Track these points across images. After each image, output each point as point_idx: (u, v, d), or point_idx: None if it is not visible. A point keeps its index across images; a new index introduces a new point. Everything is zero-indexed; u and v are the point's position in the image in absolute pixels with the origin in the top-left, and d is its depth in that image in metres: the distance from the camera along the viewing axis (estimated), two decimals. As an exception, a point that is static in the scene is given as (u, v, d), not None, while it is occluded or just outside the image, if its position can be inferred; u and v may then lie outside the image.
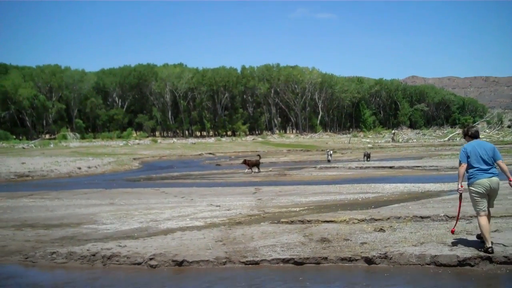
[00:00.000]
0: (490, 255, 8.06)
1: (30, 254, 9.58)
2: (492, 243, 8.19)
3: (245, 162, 29.13)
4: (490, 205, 8.63)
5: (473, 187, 8.45)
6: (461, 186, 8.54)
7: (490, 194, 8.54)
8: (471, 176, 8.48)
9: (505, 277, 7.63)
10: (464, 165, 8.47)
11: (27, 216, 13.88)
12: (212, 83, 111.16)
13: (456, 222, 9.42)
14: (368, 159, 34.59)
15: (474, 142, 8.71)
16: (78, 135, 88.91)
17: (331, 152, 38.28)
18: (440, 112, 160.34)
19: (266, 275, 8.18)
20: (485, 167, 8.42)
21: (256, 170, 28.55)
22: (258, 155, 31.51)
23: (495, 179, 8.46)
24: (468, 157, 8.47)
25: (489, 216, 8.51)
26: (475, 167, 8.42)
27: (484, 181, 8.38)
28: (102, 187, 22.17)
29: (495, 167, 8.53)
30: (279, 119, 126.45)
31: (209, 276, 8.26)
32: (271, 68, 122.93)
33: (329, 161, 35.02)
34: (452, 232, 9.08)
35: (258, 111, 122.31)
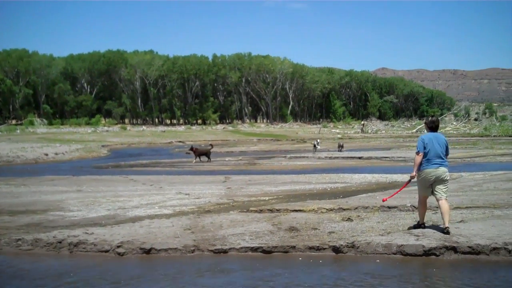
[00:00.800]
0: (455, 245, 8.22)
1: (-5, 241, 9.42)
2: (424, 223, 9.36)
3: (192, 149, 27.57)
4: (440, 192, 9.08)
5: (421, 174, 9.15)
6: (415, 174, 9.18)
7: (437, 182, 9.06)
8: (421, 164, 9.11)
9: (469, 267, 7.77)
10: (421, 154, 9.08)
11: (-8, 202, 13.64)
12: (183, 71, 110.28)
13: (392, 195, 10.75)
14: (342, 149, 33.90)
15: (431, 134, 9.27)
16: (45, 121, 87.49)
17: (319, 140, 38.05)
18: (409, 104, 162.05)
19: (235, 263, 8.20)
20: (435, 159, 9.04)
21: (206, 159, 27.27)
22: (211, 144, 30.09)
23: (442, 168, 9.05)
24: (424, 147, 9.07)
25: (446, 206, 8.98)
26: (427, 157, 9.06)
27: (430, 171, 9.03)
28: (69, 174, 21.88)
29: (446, 160, 9.20)
30: (249, 108, 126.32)
31: (177, 264, 8.24)
32: (243, 57, 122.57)
33: (314, 146, 35.02)
34: (383, 200, 10.80)
35: (229, 100, 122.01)
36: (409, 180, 9.52)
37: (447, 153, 9.22)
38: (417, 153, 9.14)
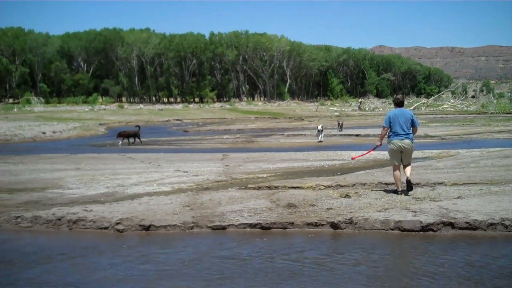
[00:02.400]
0: (452, 221, 8.30)
1: (-6, 218, 9.46)
2: (402, 190, 10.32)
3: (120, 134, 26.41)
4: (406, 161, 10.45)
5: (389, 144, 10.49)
6: (379, 143, 10.86)
7: (403, 152, 10.34)
8: (389, 136, 10.47)
9: (466, 242, 7.84)
10: (386, 129, 10.50)
11: (-10, 180, 13.65)
12: (180, 49, 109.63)
13: (359, 156, 13.90)
14: (342, 128, 31.86)
15: (397, 110, 10.63)
16: (42, 99, 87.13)
17: (321, 127, 26.46)
18: (406, 82, 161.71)
19: (233, 239, 8.26)
20: (401, 131, 10.30)
21: (133, 140, 26.34)
22: (138, 126, 28.64)
23: (406, 141, 10.29)
24: (390, 122, 10.41)
25: (408, 168, 10.40)
26: (393, 130, 10.38)
27: (397, 142, 10.29)
28: (67, 152, 21.90)
29: (411, 133, 10.43)
30: (247, 86, 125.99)
31: (176, 240, 8.30)
32: (240, 35, 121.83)
33: (319, 131, 25.81)
34: (352, 158, 13.14)
35: (226, 78, 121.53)
36: (374, 148, 11.36)
37: (414, 124, 10.45)
38: (383, 127, 10.59)
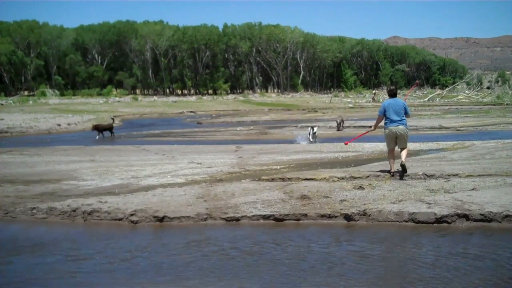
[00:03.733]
0: (467, 213, 8.26)
1: (10, 210, 9.56)
2: (394, 172, 11.35)
3: (94, 127, 26.30)
4: (401, 145, 11.48)
5: (385, 131, 11.58)
6: (374, 128, 12.35)
7: (398, 137, 11.42)
8: (385, 123, 11.59)
9: (480, 234, 7.80)
10: (381, 117, 11.74)
11: (6, 172, 13.77)
12: (193, 41, 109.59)
13: (352, 140, 14.64)
14: (342, 127, 27.10)
15: (391, 99, 11.72)
16: (57, 92, 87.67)
17: (315, 128, 23.20)
18: (421, 73, 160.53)
19: (247, 231, 8.28)
20: (395, 118, 11.37)
21: (109, 134, 26.15)
22: (112, 119, 28.77)
23: (400, 127, 11.36)
24: (385, 110, 11.52)
25: (404, 152, 11.39)
26: (388, 118, 11.46)
27: (392, 128, 11.40)
28: (82, 144, 22.03)
29: (405, 119, 11.49)
30: (260, 78, 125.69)
31: (190, 232, 8.34)
32: (253, 26, 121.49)
33: (310, 141, 21.81)
34: (345, 144, 14.05)
35: (240, 70, 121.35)
36: (367, 132, 13.13)
37: (406, 112, 11.47)
38: (378, 115, 11.85)
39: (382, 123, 11.92)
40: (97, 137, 25.51)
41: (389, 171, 11.50)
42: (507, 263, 6.57)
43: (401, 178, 11.02)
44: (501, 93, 71.68)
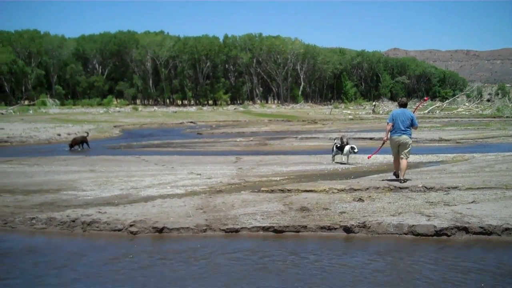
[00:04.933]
0: (466, 225, 8.25)
1: (9, 220, 9.55)
2: (404, 178, 12.00)
3: (74, 142, 25.69)
4: (402, 152, 12.05)
5: (390, 139, 12.29)
6: (386, 138, 12.48)
7: (400, 145, 12.06)
8: (391, 132, 12.22)
9: (480, 247, 7.79)
10: (390, 124, 12.19)
11: (6, 181, 13.77)
12: (194, 52, 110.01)
13: (374, 153, 15.05)
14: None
15: (400, 110, 12.32)
16: (57, 101, 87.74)
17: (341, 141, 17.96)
18: (421, 85, 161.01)
19: (246, 243, 8.26)
20: (400, 128, 12.03)
21: (84, 147, 25.61)
22: (86, 132, 28.50)
23: (403, 136, 12.03)
24: (393, 119, 12.12)
25: (404, 161, 12.02)
26: (394, 127, 12.11)
27: (395, 138, 12.12)
28: (82, 154, 22.03)
29: (409, 130, 12.15)
30: (260, 89, 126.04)
31: (189, 243, 8.32)
32: (254, 37, 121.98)
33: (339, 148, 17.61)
34: (368, 158, 15.18)
35: (240, 81, 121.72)
36: (383, 143, 13.03)
37: (413, 124, 12.10)
38: (387, 123, 12.27)
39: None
40: (71, 149, 24.99)
41: (394, 173, 12.47)
42: (505, 275, 6.56)
43: (404, 181, 11.89)
44: (501, 106, 71.72)
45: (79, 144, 25.41)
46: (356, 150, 16.31)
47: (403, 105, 12.44)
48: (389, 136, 12.34)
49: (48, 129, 34.78)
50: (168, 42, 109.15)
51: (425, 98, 14.65)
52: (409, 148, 12.14)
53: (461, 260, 7.23)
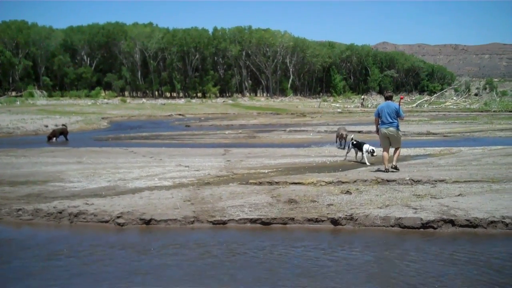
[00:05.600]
0: (452, 218, 8.30)
1: (-5, 211, 9.49)
2: (387, 168, 12.56)
3: (53, 134, 25.55)
4: (394, 144, 12.91)
5: (379, 132, 13.02)
6: (376, 130, 13.26)
7: (390, 138, 12.82)
8: (379, 125, 12.97)
9: (466, 239, 7.85)
10: (377, 118, 13.03)
11: (-8, 173, 13.68)
12: (183, 44, 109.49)
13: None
14: (343, 141, 19.58)
15: (385, 103, 13.06)
16: (45, 93, 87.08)
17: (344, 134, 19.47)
18: (409, 79, 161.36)
19: (234, 234, 8.27)
20: (387, 120, 12.74)
21: (64, 139, 25.46)
22: (64, 125, 28.22)
23: (391, 128, 12.74)
24: (379, 113, 12.88)
25: (396, 154, 12.87)
26: (382, 120, 12.83)
27: (383, 129, 12.84)
28: (69, 146, 21.91)
29: (396, 121, 12.80)
30: (250, 82, 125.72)
31: (177, 234, 8.31)
32: (243, 30, 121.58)
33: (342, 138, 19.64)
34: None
35: (229, 74, 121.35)
36: (378, 133, 13.30)
37: (399, 115, 12.80)
38: (375, 117, 13.12)
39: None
40: (54, 140, 24.83)
41: (384, 170, 12.60)
42: (490, 268, 6.61)
43: (396, 169, 12.55)
44: (489, 100, 72.11)
45: (58, 136, 25.14)
46: (375, 154, 14.89)
47: (389, 98, 13.19)
48: (380, 130, 13.04)
49: (35, 121, 34.54)
50: (157, 34, 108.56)
51: (401, 96, 14.71)
52: (400, 139, 13.02)
53: (447, 252, 7.28)
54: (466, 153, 16.87)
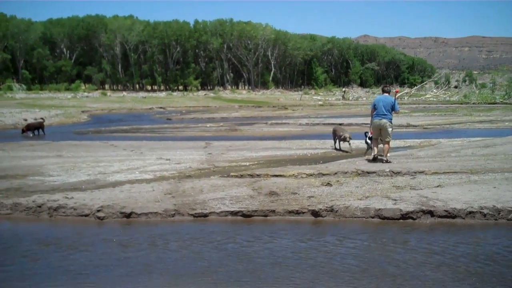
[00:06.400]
0: (431, 209, 8.39)
1: (-26, 205, 9.38)
2: (375, 156, 13.21)
3: (28, 127, 25.02)
4: (384, 137, 13.22)
5: (372, 123, 13.47)
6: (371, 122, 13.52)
7: (381, 129, 13.18)
8: (373, 116, 13.38)
9: (444, 230, 7.94)
10: (373, 110, 13.44)
11: (-30, 167, 13.52)
12: (164, 37, 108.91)
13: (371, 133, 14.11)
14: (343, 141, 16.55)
15: (382, 96, 13.52)
16: (24, 86, 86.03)
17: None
18: (390, 72, 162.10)
19: (215, 227, 8.28)
20: (381, 112, 13.13)
21: (42, 132, 25.05)
22: (42, 118, 27.61)
23: (383, 120, 13.10)
24: (375, 105, 13.32)
25: (386, 148, 13.15)
26: (377, 111, 13.22)
27: (376, 121, 13.25)
28: (49, 139, 21.72)
29: (390, 114, 13.19)
30: (231, 74, 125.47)
31: (157, 228, 8.30)
32: (224, 23, 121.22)
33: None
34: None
35: (210, 66, 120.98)
36: (370, 126, 13.80)
37: (394, 108, 13.22)
38: (371, 109, 13.55)
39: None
40: (31, 134, 24.40)
41: (374, 157, 13.22)
42: (466, 258, 6.70)
43: (387, 161, 12.85)
44: (468, 93, 72.65)
45: (33, 130, 24.78)
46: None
47: (386, 92, 13.73)
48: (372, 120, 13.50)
49: (14, 114, 34.17)
50: (138, 27, 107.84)
51: (396, 90, 15.07)
52: (390, 133, 13.26)
53: (425, 242, 7.36)
54: (445, 145, 17.04)
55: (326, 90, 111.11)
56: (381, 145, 13.47)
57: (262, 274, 6.34)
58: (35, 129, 24.82)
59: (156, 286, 6.07)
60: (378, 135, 13.37)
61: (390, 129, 13.21)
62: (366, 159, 13.77)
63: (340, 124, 27.01)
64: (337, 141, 16.76)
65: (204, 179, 11.30)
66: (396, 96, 14.10)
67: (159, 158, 15.03)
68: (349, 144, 16.19)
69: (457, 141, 18.00)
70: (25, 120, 31.83)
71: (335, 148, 16.79)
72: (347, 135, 16.11)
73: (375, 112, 13.34)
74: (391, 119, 13.31)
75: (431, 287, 5.86)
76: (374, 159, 13.17)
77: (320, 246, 7.30)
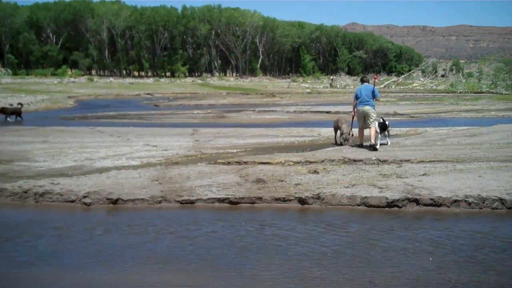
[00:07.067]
0: (417, 197, 8.46)
1: (-42, 191, 9.32)
2: (361, 144, 13.70)
3: (2, 110, 24.89)
4: (368, 123, 13.42)
5: (356, 110, 13.81)
6: (354, 113, 14.12)
7: (365, 116, 13.47)
8: (357, 104, 13.69)
9: (430, 218, 8.01)
10: (355, 101, 13.80)
11: (-45, 152, 13.40)
12: (151, 22, 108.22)
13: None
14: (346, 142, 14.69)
15: (363, 85, 13.89)
16: (10, 71, 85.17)
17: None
18: (378, 60, 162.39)
19: (201, 214, 8.29)
20: (364, 100, 13.48)
21: (18, 118, 24.90)
22: (20, 103, 26.81)
23: (366, 107, 13.44)
24: (357, 95, 13.70)
25: (372, 133, 13.15)
26: (360, 99, 13.58)
27: (359, 108, 13.61)
28: (35, 125, 21.57)
29: (372, 101, 13.51)
30: (219, 61, 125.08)
31: (144, 214, 8.30)
32: (213, 9, 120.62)
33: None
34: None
35: (198, 53, 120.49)
36: (353, 117, 14.41)
37: (375, 95, 13.54)
38: (354, 99, 13.89)
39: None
40: (9, 119, 24.24)
41: (359, 145, 13.68)
42: (452, 245, 6.77)
43: (374, 149, 12.86)
44: (455, 81, 73.08)
45: (9, 114, 24.43)
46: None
47: (366, 81, 14.19)
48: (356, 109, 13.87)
49: (-1, 99, 33.87)
50: (125, 12, 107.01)
51: (375, 76, 15.57)
52: (374, 117, 13.49)
53: (410, 230, 7.43)
54: (431, 134, 17.14)
55: (314, 78, 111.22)
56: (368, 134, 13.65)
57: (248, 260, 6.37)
58: (11, 114, 24.44)
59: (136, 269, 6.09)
60: (363, 123, 13.71)
61: (374, 115, 13.51)
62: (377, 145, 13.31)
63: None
64: (338, 134, 15.00)
65: (191, 166, 11.29)
66: (375, 82, 14.45)
67: (146, 144, 14.99)
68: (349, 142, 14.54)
69: (443, 130, 18.10)
70: (11, 105, 31.51)
71: (335, 142, 15.15)
72: (349, 136, 14.51)
73: (358, 101, 13.69)
74: (374, 105, 13.65)
75: (412, 273, 5.92)
76: (360, 146, 13.68)
77: (306, 233, 7.34)
